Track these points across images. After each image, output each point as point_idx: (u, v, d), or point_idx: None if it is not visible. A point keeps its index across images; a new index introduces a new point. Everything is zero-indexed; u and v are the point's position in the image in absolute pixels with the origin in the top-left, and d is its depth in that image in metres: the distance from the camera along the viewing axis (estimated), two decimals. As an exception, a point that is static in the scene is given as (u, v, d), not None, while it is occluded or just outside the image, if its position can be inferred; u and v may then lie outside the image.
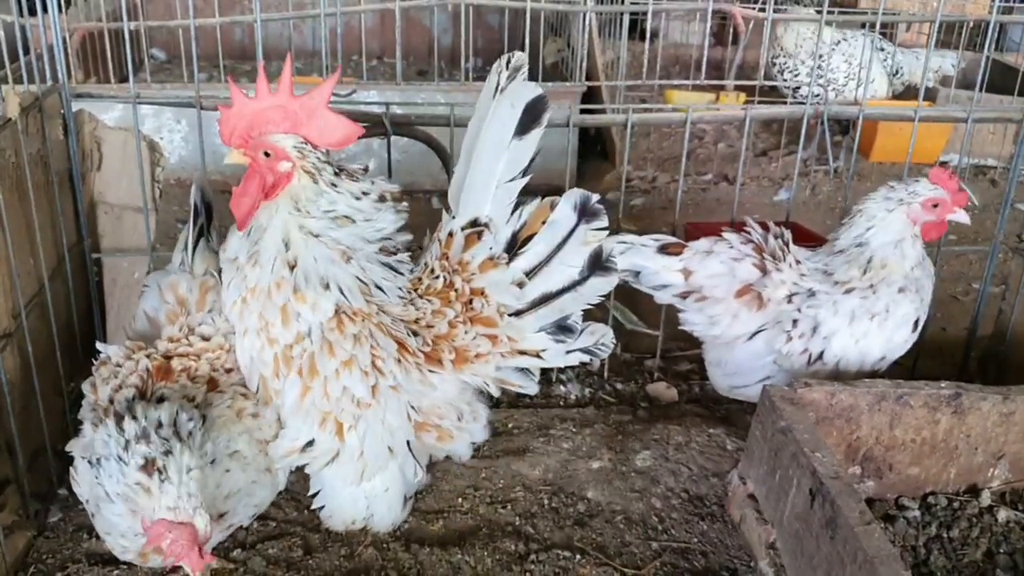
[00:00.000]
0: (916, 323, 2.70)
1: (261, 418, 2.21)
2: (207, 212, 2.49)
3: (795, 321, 2.69)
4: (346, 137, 2.13)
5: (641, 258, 2.78)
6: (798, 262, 2.76)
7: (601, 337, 2.42)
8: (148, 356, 2.17)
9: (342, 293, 2.14)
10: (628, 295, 2.99)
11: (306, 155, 2.09)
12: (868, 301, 2.65)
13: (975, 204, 5.54)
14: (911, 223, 2.68)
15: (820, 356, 2.69)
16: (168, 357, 2.18)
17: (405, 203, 2.29)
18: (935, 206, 2.66)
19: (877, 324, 2.66)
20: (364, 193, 2.18)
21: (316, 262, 2.12)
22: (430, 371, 2.27)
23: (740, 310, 2.75)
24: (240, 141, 2.09)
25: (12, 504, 2.35)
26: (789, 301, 2.71)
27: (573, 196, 2.30)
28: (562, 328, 2.37)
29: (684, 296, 2.82)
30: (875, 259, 2.68)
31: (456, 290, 2.30)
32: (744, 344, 2.78)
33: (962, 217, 2.67)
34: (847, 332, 2.67)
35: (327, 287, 2.12)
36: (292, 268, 2.10)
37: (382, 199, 2.21)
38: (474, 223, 2.29)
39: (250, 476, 2.15)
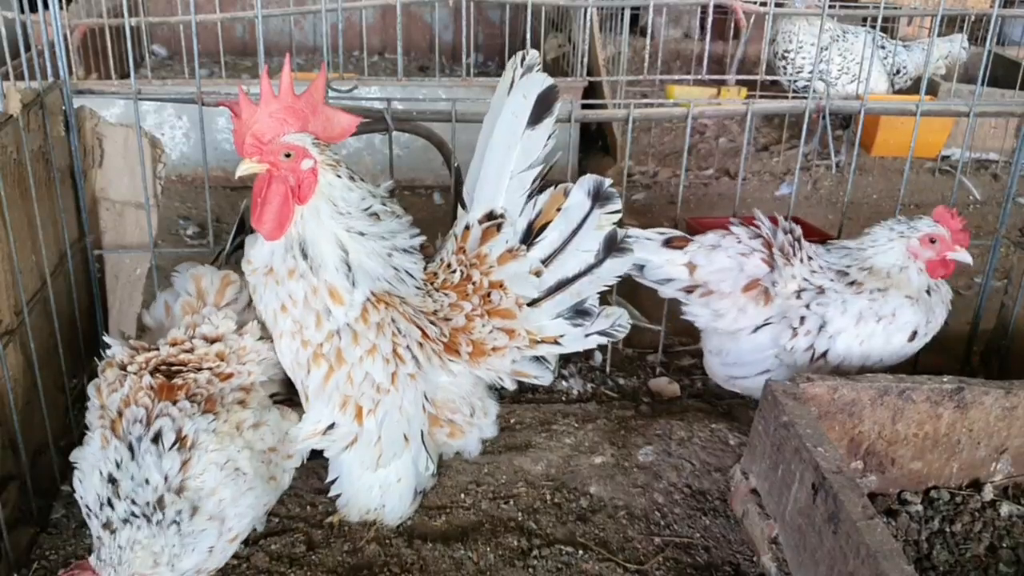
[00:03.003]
0: (914, 334, 2.70)
1: (263, 426, 2.21)
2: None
3: (802, 318, 2.68)
4: (347, 129, 2.19)
5: (645, 251, 2.76)
6: (810, 258, 2.75)
7: (617, 319, 2.45)
8: (148, 365, 2.16)
9: (390, 283, 2.20)
10: (630, 290, 2.99)
11: (323, 150, 2.12)
12: (877, 303, 2.65)
13: (976, 198, 5.55)
14: (912, 256, 2.70)
15: (824, 354, 2.69)
16: (170, 365, 2.18)
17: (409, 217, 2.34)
18: (932, 241, 2.68)
19: (883, 327, 2.66)
20: (372, 195, 2.23)
21: (369, 260, 2.17)
22: (450, 360, 2.31)
23: (747, 304, 2.74)
24: (253, 149, 2.08)
25: (15, 501, 2.35)
26: (798, 297, 2.70)
27: (586, 182, 2.34)
28: (580, 312, 2.40)
29: (689, 291, 2.81)
30: (880, 270, 2.71)
31: (474, 283, 2.32)
32: (748, 336, 2.77)
33: (963, 256, 2.68)
34: (853, 332, 2.66)
35: (377, 280, 2.17)
36: (349, 270, 2.13)
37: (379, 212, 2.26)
38: (490, 215, 2.31)
39: (252, 492, 2.14)
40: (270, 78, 2.07)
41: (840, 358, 2.69)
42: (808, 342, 2.68)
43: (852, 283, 2.69)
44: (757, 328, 2.75)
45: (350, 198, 2.14)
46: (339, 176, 2.13)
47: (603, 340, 2.47)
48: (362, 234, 2.16)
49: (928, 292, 2.72)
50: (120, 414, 2.06)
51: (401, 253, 2.25)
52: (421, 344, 2.24)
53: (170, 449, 2.00)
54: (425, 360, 2.25)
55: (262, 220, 2.11)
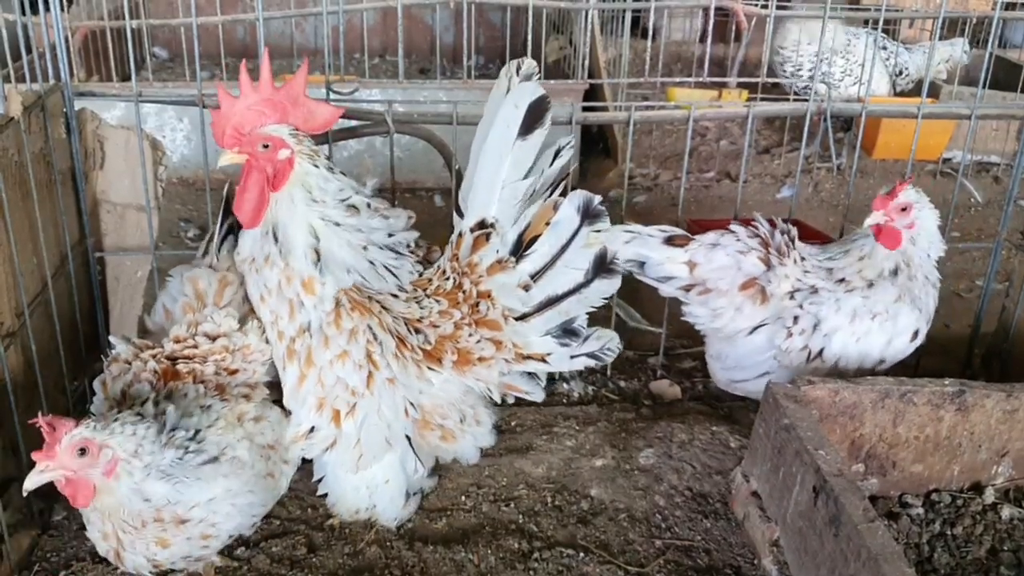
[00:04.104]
0: (916, 333, 2.70)
1: (263, 421, 2.22)
2: None
3: (796, 317, 2.68)
4: (328, 119, 2.27)
5: (647, 248, 2.76)
6: (802, 258, 2.76)
7: (607, 342, 2.42)
8: (155, 357, 2.17)
9: (363, 278, 2.21)
10: (631, 292, 2.99)
11: (301, 140, 2.17)
12: (870, 301, 2.65)
13: (978, 200, 5.55)
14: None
15: (820, 353, 2.69)
16: (174, 359, 2.19)
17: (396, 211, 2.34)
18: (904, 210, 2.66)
19: (878, 324, 2.66)
20: (355, 190, 2.26)
21: (341, 250, 2.19)
22: (429, 368, 2.29)
23: (744, 304, 2.75)
24: (233, 140, 2.15)
25: (16, 503, 2.35)
26: (791, 297, 2.71)
27: (576, 198, 2.31)
28: (567, 332, 2.37)
29: (688, 289, 2.81)
30: (856, 249, 2.74)
31: (464, 291, 2.31)
32: (745, 338, 2.77)
33: (873, 218, 2.65)
34: (848, 330, 2.66)
35: (348, 272, 2.19)
36: (318, 259, 2.16)
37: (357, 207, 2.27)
38: (481, 224, 2.30)
39: (247, 482, 2.14)
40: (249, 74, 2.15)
41: (836, 357, 2.69)
42: (803, 342, 2.68)
43: (841, 280, 2.70)
44: (754, 329, 2.76)
45: (326, 187, 2.19)
46: (316, 166, 2.18)
47: (591, 363, 2.44)
48: (337, 224, 2.19)
49: (896, 272, 2.70)
50: (124, 394, 2.07)
51: (379, 249, 2.26)
52: (397, 355, 2.24)
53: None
54: (400, 369, 2.24)
55: (241, 208, 2.20)
